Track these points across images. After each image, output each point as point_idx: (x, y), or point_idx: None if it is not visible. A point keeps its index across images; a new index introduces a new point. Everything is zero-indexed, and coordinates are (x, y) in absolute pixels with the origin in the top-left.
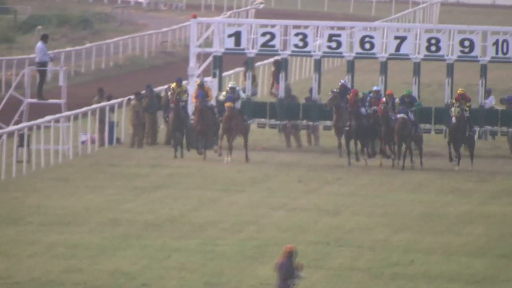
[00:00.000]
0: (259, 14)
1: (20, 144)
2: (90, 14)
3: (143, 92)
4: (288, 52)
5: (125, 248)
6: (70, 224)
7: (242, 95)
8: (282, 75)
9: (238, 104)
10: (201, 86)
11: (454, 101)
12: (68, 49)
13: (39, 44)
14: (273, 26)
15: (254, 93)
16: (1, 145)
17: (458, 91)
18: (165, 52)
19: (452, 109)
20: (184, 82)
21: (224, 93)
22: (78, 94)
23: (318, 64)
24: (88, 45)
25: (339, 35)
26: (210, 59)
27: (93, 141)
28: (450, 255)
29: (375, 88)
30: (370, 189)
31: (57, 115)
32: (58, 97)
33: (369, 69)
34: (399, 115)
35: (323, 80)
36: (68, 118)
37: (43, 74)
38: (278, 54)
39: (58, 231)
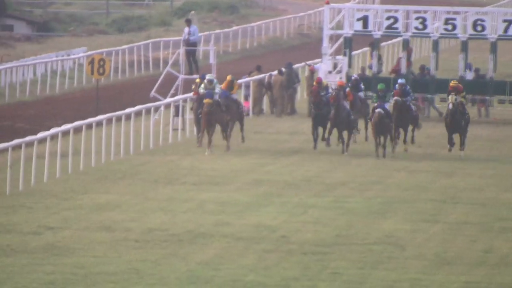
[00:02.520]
0: (384, 0)
1: (176, 114)
2: (237, 0)
3: (283, 69)
4: (409, 33)
5: (267, 205)
6: (219, 184)
7: (218, 89)
8: (404, 54)
9: (216, 97)
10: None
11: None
12: (217, 31)
13: (187, 28)
14: (396, 11)
15: (379, 71)
16: (159, 115)
17: (451, 84)
18: (302, 34)
19: (449, 97)
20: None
21: (202, 85)
22: (226, 71)
23: (435, 44)
24: (235, 27)
25: (454, 19)
26: (341, 40)
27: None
28: None
29: (399, 81)
30: (482, 153)
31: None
32: (209, 73)
33: (480, 49)
34: (376, 110)
35: (440, 58)
36: None
37: (193, 53)
38: (401, 36)
39: (208, 190)
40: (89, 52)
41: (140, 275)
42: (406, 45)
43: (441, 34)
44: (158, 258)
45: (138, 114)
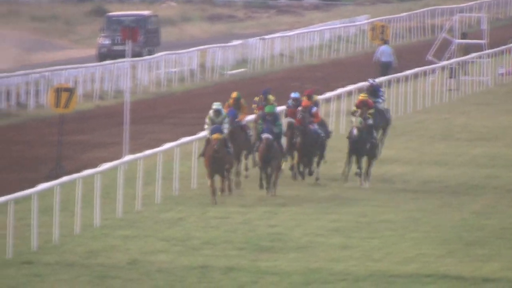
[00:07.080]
0: None
1: (450, 76)
2: None
3: None
4: None
5: None
6: (490, 140)
7: (227, 125)
8: None
9: (225, 126)
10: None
11: (355, 108)
12: None
13: (383, 46)
14: None
15: None
16: (435, 77)
17: (360, 97)
18: None
19: (353, 119)
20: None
21: (207, 120)
22: (497, 36)
23: None
24: None
25: None
26: None
27: (508, 73)
28: None
29: (293, 95)
30: None
31: (480, 53)
32: (480, 38)
33: None
34: (263, 135)
35: None
36: (489, 55)
37: (385, 71)
38: None
39: (480, 145)
40: (371, 19)
41: (417, 224)
42: None
43: None
44: (434, 207)
45: (416, 75)
